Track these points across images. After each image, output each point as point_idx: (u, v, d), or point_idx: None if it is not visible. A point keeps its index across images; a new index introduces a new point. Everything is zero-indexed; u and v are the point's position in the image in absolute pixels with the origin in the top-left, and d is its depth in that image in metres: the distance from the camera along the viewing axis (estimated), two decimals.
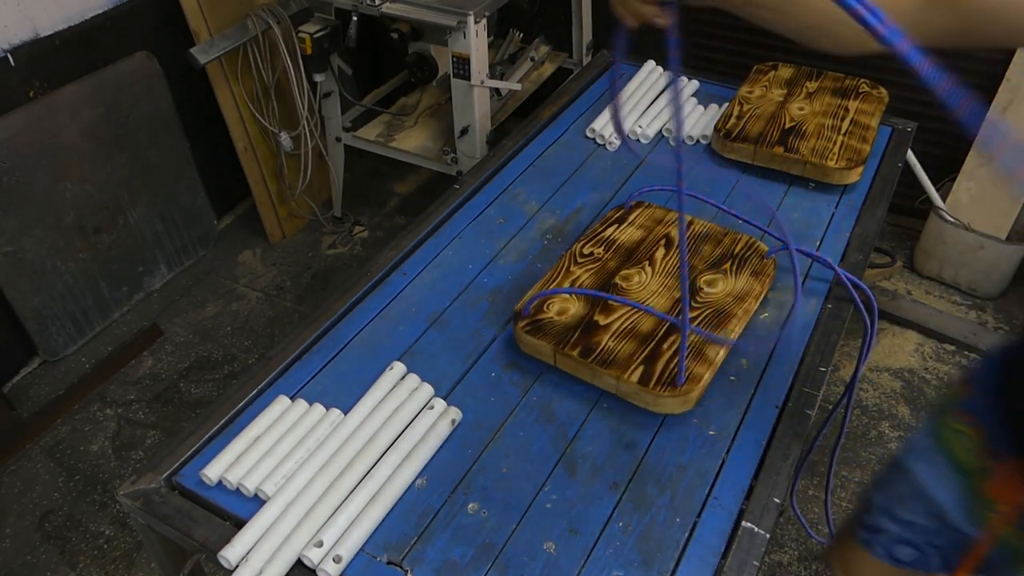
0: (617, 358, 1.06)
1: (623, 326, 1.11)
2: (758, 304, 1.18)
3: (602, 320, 1.12)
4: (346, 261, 2.78)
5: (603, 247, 1.26)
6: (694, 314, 1.14)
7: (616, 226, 1.30)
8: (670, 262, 1.23)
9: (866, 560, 1.10)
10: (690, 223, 1.31)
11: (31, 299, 2.18)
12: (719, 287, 1.19)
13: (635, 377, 1.04)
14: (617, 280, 1.20)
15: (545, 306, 1.14)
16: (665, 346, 1.08)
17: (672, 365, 1.06)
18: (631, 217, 1.32)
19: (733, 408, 1.08)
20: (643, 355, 1.07)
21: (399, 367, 1.13)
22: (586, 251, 1.25)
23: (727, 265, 1.23)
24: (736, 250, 1.25)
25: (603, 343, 1.09)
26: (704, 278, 1.20)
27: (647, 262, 1.23)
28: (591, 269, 1.21)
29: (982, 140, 0.66)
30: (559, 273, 1.21)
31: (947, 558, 1.02)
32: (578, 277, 1.20)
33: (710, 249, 1.25)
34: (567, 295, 1.16)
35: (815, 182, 1.48)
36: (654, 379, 1.04)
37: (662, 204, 1.39)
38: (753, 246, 1.26)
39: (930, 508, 0.99)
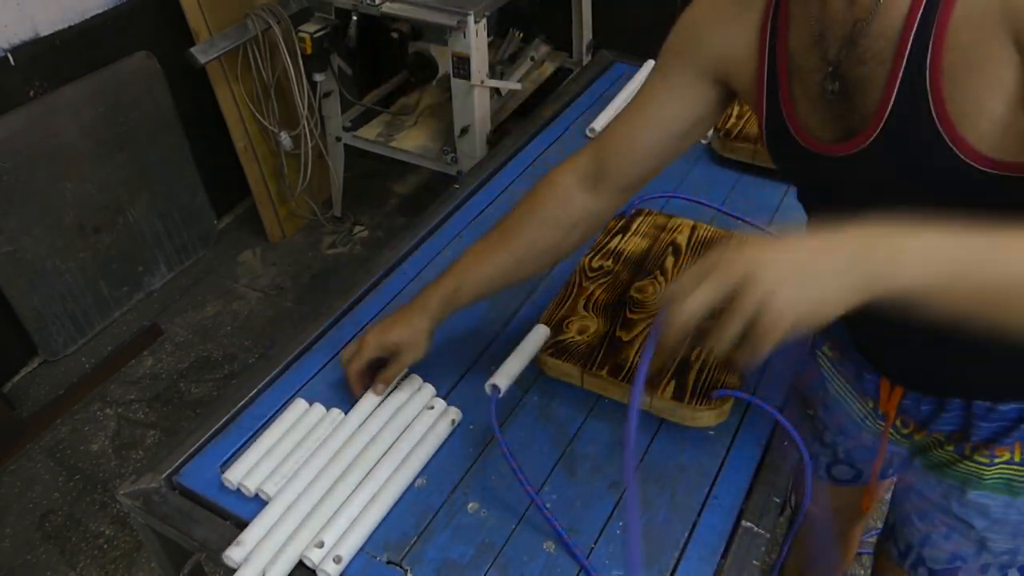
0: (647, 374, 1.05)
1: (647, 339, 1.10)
2: None
3: (625, 336, 1.10)
4: (346, 261, 2.78)
5: (611, 259, 1.24)
6: None
7: (620, 236, 1.28)
8: (683, 270, 1.22)
9: (820, 486, 1.20)
10: (693, 228, 1.30)
11: (31, 299, 2.18)
12: None
13: (669, 392, 1.02)
14: (632, 293, 1.18)
15: (565, 326, 1.13)
16: (692, 357, 1.07)
17: (704, 376, 1.04)
18: (634, 226, 1.30)
19: (732, 408, 1.08)
20: (672, 368, 1.05)
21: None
22: (595, 264, 1.23)
23: None
24: None
25: (630, 359, 1.07)
26: None
27: (659, 271, 1.21)
28: (603, 283, 1.19)
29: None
30: (572, 290, 1.18)
31: (866, 470, 1.17)
32: (592, 292, 1.18)
33: None
34: (584, 312, 1.14)
35: None
36: (688, 393, 1.02)
37: (659, 209, 1.39)
38: None
39: (841, 431, 1.13)
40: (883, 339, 0.95)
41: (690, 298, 0.61)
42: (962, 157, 0.70)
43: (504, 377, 1.04)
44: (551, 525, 0.93)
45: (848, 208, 0.70)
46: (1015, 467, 0.93)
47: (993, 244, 0.59)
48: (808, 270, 0.59)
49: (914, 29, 0.68)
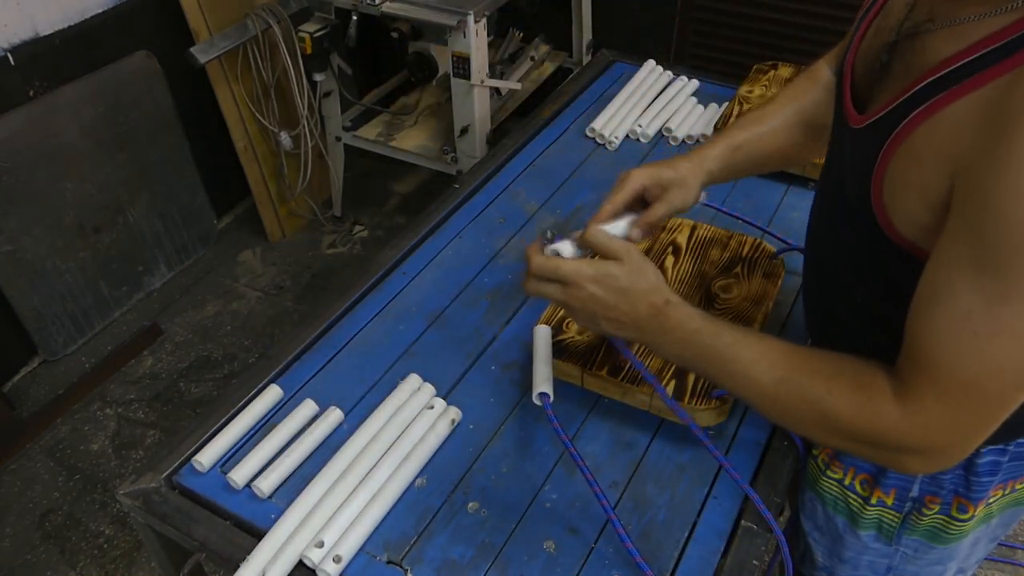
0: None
1: None
2: (773, 306, 1.17)
3: None
4: (346, 261, 2.78)
5: None
6: None
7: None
8: (682, 269, 1.21)
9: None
10: (693, 228, 1.29)
11: (31, 299, 2.18)
12: (735, 292, 1.17)
13: (669, 392, 1.01)
14: None
15: (565, 325, 1.12)
16: None
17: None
18: None
19: (733, 408, 1.08)
20: (672, 368, 1.05)
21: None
22: None
23: (738, 269, 1.21)
24: (744, 252, 1.24)
25: (630, 360, 1.07)
26: (718, 284, 1.18)
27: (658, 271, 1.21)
28: None
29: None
30: None
31: None
32: None
33: (718, 253, 1.24)
34: None
35: (815, 181, 1.47)
36: (688, 392, 1.02)
37: None
38: (760, 247, 1.25)
39: None
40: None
41: (537, 289, 0.89)
42: (878, 221, 0.71)
43: (546, 384, 1.02)
44: (623, 544, 0.89)
45: (817, 198, 0.92)
46: (842, 487, 0.96)
47: (721, 352, 0.78)
48: (597, 321, 0.84)
49: (934, 77, 0.64)
